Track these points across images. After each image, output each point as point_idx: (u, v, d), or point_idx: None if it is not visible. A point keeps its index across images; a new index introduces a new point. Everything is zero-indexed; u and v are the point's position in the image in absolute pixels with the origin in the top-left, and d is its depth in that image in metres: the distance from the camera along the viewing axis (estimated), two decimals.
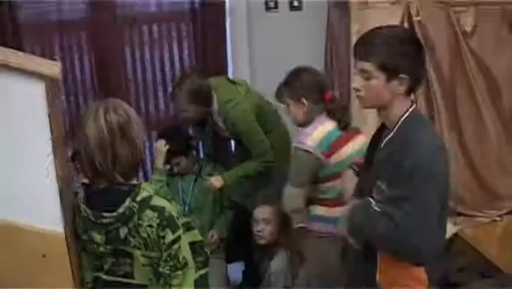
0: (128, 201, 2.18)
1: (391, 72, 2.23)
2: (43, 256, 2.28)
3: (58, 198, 2.25)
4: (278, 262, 3.64)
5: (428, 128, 2.34)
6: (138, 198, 2.19)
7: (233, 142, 4.27)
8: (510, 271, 3.57)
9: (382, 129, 2.40)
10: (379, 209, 2.24)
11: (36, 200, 2.25)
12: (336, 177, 3.08)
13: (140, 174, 4.52)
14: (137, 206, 2.18)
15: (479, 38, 4.28)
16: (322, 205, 3.24)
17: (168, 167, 4.02)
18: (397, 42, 2.24)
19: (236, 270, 4.43)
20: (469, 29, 4.26)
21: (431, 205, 2.20)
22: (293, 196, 3.23)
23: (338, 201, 3.08)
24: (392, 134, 2.29)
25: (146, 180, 4.16)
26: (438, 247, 2.28)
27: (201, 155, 4.34)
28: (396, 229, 2.18)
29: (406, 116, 2.28)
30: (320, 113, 3.21)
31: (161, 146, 3.86)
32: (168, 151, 3.88)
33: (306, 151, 3.12)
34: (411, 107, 2.30)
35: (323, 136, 3.15)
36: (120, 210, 2.18)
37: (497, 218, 4.40)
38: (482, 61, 4.32)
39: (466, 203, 4.31)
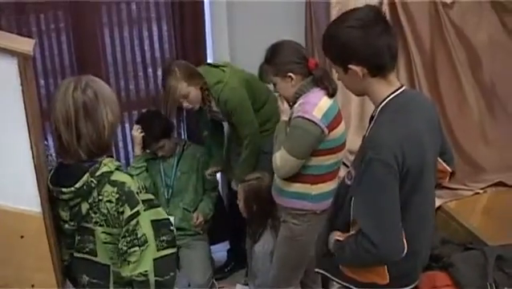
0: (86, 176, 2.17)
1: (342, 64, 2.22)
2: (21, 237, 2.26)
3: (34, 178, 2.22)
4: (261, 246, 3.57)
5: (401, 116, 2.19)
6: (97, 173, 2.18)
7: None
8: (493, 243, 3.58)
9: None
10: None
11: (12, 180, 2.22)
12: (324, 154, 3.07)
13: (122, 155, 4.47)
14: (96, 181, 2.17)
15: (459, 9, 4.25)
16: (300, 182, 3.14)
17: (148, 151, 3.99)
18: (343, 33, 2.18)
19: (220, 251, 4.43)
20: (449, 0, 4.23)
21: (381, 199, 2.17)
22: (292, 166, 3.05)
23: (317, 179, 3.08)
24: (373, 121, 2.27)
25: (128, 164, 4.15)
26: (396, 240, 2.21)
27: (182, 136, 4.32)
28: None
29: (384, 103, 2.22)
30: (311, 86, 3.07)
31: (137, 133, 3.86)
32: (149, 136, 3.87)
33: (313, 122, 2.98)
34: (395, 92, 2.23)
35: (328, 107, 3.03)
36: (77, 185, 2.17)
37: (480, 191, 4.40)
38: (462, 32, 4.30)
39: None
